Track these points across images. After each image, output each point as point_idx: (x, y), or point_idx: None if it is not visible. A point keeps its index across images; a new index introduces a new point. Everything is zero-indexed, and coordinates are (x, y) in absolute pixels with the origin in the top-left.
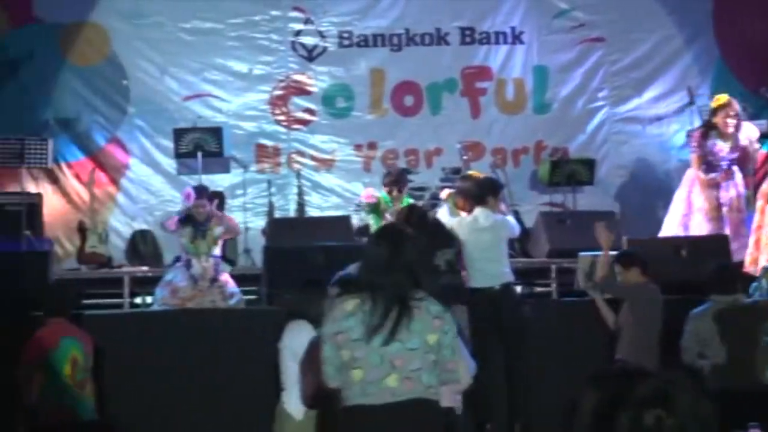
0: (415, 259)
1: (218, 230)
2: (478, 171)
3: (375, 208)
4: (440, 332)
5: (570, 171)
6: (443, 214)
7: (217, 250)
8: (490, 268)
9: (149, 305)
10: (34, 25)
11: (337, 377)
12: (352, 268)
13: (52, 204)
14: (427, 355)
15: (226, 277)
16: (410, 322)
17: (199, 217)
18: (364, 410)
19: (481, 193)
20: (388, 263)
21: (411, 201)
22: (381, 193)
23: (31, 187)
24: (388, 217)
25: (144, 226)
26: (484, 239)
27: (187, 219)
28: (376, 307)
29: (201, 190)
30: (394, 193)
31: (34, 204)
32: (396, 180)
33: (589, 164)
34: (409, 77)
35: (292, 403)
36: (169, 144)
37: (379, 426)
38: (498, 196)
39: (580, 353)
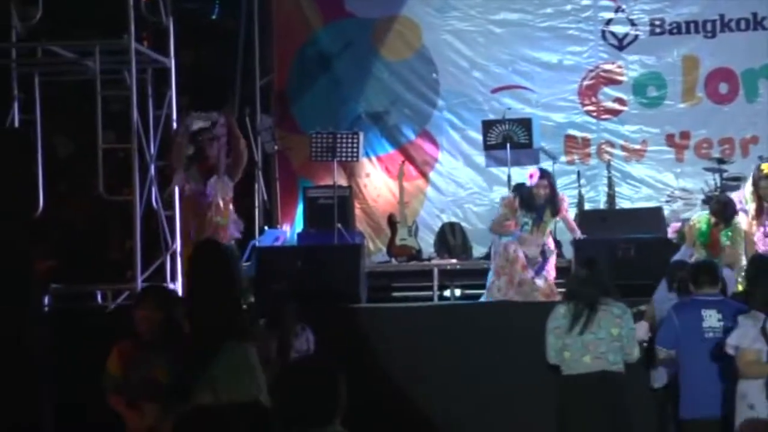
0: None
1: (550, 219)
2: None
3: (681, 238)
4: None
5: None
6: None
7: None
8: None
9: (458, 298)
10: (347, 20)
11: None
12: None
13: (363, 197)
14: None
15: (550, 265)
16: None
17: (538, 199)
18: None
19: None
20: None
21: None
22: (701, 223)
23: (342, 181)
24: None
25: (453, 219)
26: None
27: (528, 204)
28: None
29: (545, 173)
30: (721, 225)
31: (345, 197)
32: (720, 211)
33: None
34: (724, 64)
35: None
36: (477, 136)
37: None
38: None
39: None
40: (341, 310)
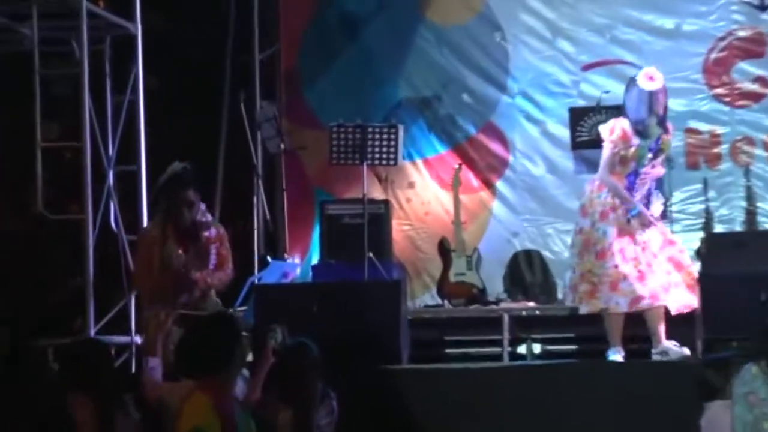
0: None
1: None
2: None
3: None
4: None
5: None
6: None
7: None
8: None
9: (538, 356)
10: None
11: None
12: None
13: (404, 215)
14: None
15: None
16: None
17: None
18: None
19: None
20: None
21: None
22: None
23: (376, 193)
24: None
25: (529, 246)
26: None
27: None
28: None
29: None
30: None
31: (380, 215)
32: None
33: None
34: None
35: None
36: (563, 131)
37: None
38: None
39: None
40: (374, 373)
